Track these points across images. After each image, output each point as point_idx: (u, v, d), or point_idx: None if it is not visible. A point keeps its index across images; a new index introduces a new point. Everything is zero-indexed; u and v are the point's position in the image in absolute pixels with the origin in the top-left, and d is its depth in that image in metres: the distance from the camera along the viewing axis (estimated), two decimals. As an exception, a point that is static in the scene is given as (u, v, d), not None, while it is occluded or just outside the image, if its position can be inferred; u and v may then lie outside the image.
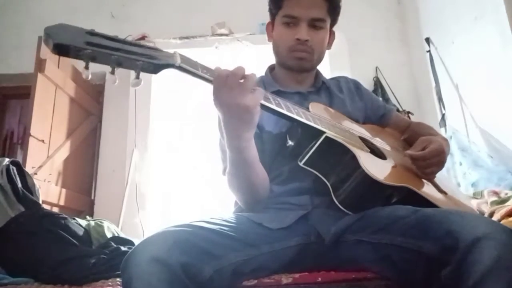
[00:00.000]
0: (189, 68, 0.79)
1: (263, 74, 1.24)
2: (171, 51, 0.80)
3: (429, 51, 2.76)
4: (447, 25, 2.57)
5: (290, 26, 1.12)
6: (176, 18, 3.27)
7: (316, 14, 1.11)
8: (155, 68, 0.75)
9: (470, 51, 2.31)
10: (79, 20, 3.31)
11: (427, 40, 2.78)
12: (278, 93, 1.13)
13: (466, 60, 2.38)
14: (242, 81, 0.82)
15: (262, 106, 0.87)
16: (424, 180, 1.07)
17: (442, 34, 2.64)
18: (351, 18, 3.18)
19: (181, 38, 3.18)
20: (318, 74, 1.23)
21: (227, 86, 0.81)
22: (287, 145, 0.98)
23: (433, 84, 2.74)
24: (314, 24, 1.11)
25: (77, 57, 0.68)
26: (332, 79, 1.29)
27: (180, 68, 0.78)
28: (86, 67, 0.70)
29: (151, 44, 0.81)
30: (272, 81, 1.19)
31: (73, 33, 0.70)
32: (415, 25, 3.03)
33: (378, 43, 3.21)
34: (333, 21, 1.18)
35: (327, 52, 1.21)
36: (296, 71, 1.16)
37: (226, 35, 3.11)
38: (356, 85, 1.28)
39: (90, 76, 0.72)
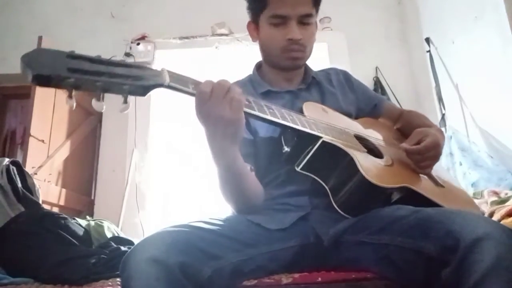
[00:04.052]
0: (179, 86, 0.77)
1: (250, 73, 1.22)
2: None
3: (429, 51, 2.76)
4: (447, 25, 2.57)
5: (278, 26, 1.08)
6: (176, 18, 3.27)
7: (304, 10, 1.07)
8: (143, 90, 0.71)
9: (470, 51, 2.31)
10: (79, 20, 3.34)
11: (427, 40, 2.77)
12: (268, 93, 1.12)
13: (466, 60, 2.38)
14: (226, 94, 0.79)
15: (257, 117, 0.85)
16: (421, 175, 1.06)
17: (442, 34, 2.64)
18: (351, 18, 3.19)
19: (181, 38, 3.18)
20: (307, 69, 1.20)
21: (211, 99, 0.78)
22: (283, 151, 0.96)
23: (433, 84, 2.74)
24: (303, 21, 1.08)
25: (59, 87, 0.64)
26: (321, 71, 1.26)
27: (169, 87, 0.75)
28: (70, 96, 0.65)
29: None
30: (261, 80, 1.16)
31: (53, 59, 0.64)
32: (415, 25, 3.03)
33: (378, 43, 3.22)
34: (317, 12, 1.14)
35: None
36: (290, 70, 1.15)
37: (226, 35, 3.11)
38: (346, 77, 1.25)
39: (74, 105, 0.67)
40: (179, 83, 0.77)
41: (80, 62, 0.66)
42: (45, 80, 0.62)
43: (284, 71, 1.15)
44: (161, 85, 0.74)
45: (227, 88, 0.79)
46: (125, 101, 0.70)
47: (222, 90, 0.79)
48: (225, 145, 0.82)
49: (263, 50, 1.15)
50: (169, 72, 0.77)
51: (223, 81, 0.81)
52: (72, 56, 0.67)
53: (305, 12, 1.07)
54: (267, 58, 1.17)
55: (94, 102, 0.71)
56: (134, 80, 0.70)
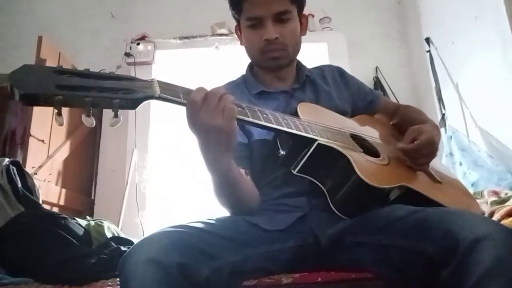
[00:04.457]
0: (170, 97, 0.75)
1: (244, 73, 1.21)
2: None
3: (429, 51, 2.76)
4: (447, 25, 2.57)
5: (255, 27, 1.07)
6: (176, 18, 3.26)
7: (278, 7, 1.05)
8: (134, 103, 0.70)
9: (470, 51, 2.31)
10: (79, 20, 3.34)
11: (427, 40, 2.77)
12: (262, 94, 1.12)
13: (466, 60, 2.38)
14: (218, 103, 0.78)
15: (252, 123, 0.85)
16: (418, 172, 1.06)
17: (442, 34, 2.64)
18: (351, 18, 3.18)
19: (181, 38, 3.18)
20: (300, 67, 1.19)
21: (203, 108, 0.77)
22: (279, 154, 0.95)
23: (433, 84, 2.74)
24: (280, 18, 1.06)
25: (48, 105, 0.62)
26: (315, 68, 1.25)
27: (160, 98, 0.74)
28: (59, 114, 0.64)
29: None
30: (254, 81, 1.16)
31: (40, 76, 0.63)
32: (415, 25, 3.03)
33: (378, 43, 3.21)
34: (300, 7, 1.12)
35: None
36: (274, 70, 1.14)
37: (226, 35, 3.11)
38: (341, 73, 1.25)
39: (64, 123, 0.67)
40: (169, 93, 0.75)
41: (68, 78, 0.65)
42: (33, 100, 0.62)
43: (273, 71, 1.14)
44: (151, 97, 0.73)
45: (218, 97, 0.78)
46: (116, 115, 0.69)
47: (214, 99, 0.77)
48: (219, 154, 0.81)
49: (247, 52, 1.15)
50: (159, 82, 0.75)
51: (215, 89, 0.79)
52: (60, 71, 0.65)
53: (280, 9, 1.05)
54: (252, 60, 1.16)
55: (84, 118, 0.68)
56: (124, 94, 0.69)
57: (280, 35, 1.06)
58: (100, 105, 0.67)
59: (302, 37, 1.16)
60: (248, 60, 1.21)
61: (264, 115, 0.87)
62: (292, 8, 1.08)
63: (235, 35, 1.20)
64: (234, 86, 1.15)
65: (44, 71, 0.65)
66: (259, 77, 1.17)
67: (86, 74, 0.68)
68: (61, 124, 0.66)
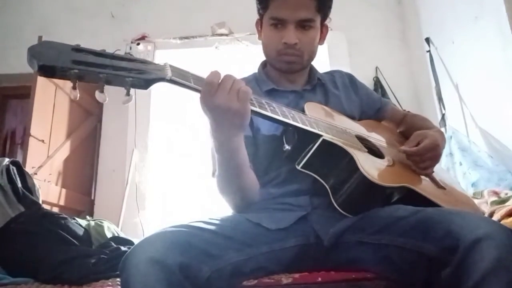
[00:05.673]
0: (181, 80, 0.77)
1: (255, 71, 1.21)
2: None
3: (429, 51, 2.76)
4: (447, 25, 2.57)
5: (277, 28, 1.07)
6: (176, 18, 3.27)
7: (304, 15, 1.06)
8: (146, 83, 0.73)
9: (470, 51, 2.31)
10: (79, 20, 3.34)
11: (427, 40, 2.78)
12: (272, 91, 1.12)
13: (466, 60, 2.38)
14: (233, 85, 0.80)
15: (258, 113, 0.85)
16: (422, 176, 1.06)
17: (442, 34, 2.64)
18: (351, 18, 3.19)
19: (181, 38, 3.18)
20: (312, 70, 1.20)
21: (219, 90, 0.79)
22: (284, 149, 0.97)
23: (433, 84, 2.74)
24: (303, 25, 1.07)
25: (64, 77, 0.65)
26: (326, 73, 1.26)
27: (171, 81, 0.76)
28: (74, 88, 0.67)
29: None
30: (266, 79, 1.16)
31: (58, 51, 0.67)
32: (415, 25, 3.03)
33: (378, 43, 3.22)
34: (324, 16, 1.13)
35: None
36: (286, 73, 1.14)
37: (226, 35, 3.12)
38: (351, 79, 1.26)
39: (78, 96, 0.69)
40: (181, 77, 0.78)
41: (84, 55, 0.69)
42: (50, 71, 0.65)
43: (284, 73, 1.15)
44: (163, 79, 0.75)
45: (232, 80, 0.80)
46: (128, 94, 0.72)
47: (229, 82, 0.80)
48: (232, 134, 0.83)
49: (263, 49, 1.15)
50: (171, 66, 0.78)
51: (228, 74, 0.82)
52: (77, 49, 0.69)
53: (305, 17, 1.06)
54: (266, 57, 1.17)
55: (97, 94, 0.72)
56: (137, 73, 0.72)
57: (299, 41, 1.06)
58: (113, 82, 0.70)
59: None
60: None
61: (271, 108, 0.88)
62: (317, 17, 1.09)
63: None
64: (246, 82, 1.15)
65: (62, 47, 0.68)
66: (271, 75, 1.17)
67: (102, 54, 0.71)
68: (75, 98, 0.70)
